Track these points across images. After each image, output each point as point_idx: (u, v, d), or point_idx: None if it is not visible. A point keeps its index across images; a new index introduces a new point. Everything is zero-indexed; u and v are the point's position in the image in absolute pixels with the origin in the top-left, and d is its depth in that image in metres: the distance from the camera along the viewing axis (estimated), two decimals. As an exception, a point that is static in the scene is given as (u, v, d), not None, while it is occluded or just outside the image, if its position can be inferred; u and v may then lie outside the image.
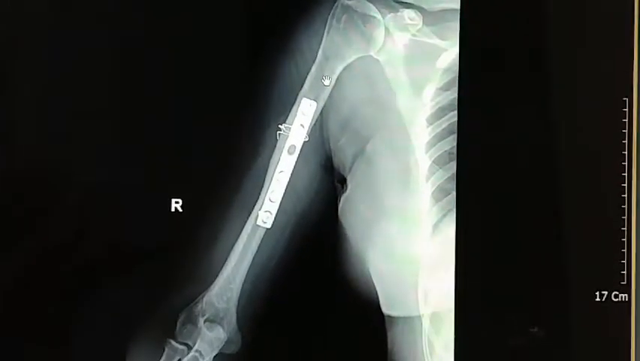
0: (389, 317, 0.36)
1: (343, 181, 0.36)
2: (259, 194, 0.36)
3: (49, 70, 0.35)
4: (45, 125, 0.35)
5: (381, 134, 0.37)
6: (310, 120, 0.36)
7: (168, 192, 0.35)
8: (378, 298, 0.36)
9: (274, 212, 0.36)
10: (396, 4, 0.37)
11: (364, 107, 0.37)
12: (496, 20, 0.37)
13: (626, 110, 0.37)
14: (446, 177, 0.37)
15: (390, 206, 0.36)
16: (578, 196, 0.37)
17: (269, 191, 0.36)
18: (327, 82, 0.36)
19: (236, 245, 0.36)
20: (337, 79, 0.36)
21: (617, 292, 0.36)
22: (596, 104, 0.37)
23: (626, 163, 0.37)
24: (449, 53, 0.37)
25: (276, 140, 0.36)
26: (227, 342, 0.36)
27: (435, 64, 0.37)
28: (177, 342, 0.35)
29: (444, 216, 0.36)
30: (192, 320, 0.36)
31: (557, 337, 0.36)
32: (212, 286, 0.36)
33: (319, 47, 0.36)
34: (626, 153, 0.37)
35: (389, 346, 0.36)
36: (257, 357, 0.36)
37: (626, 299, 0.36)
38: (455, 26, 0.37)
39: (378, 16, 0.37)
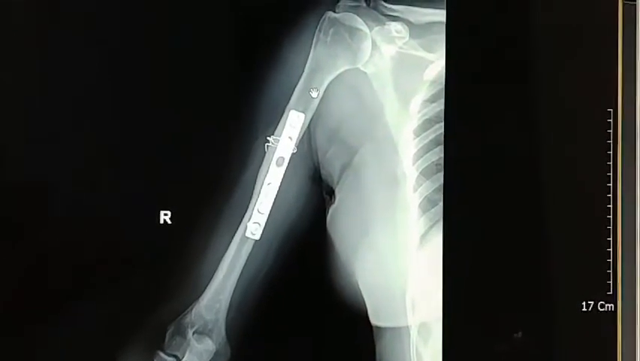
0: (377, 327, 0.36)
1: (331, 193, 0.37)
2: (248, 206, 0.36)
3: (40, 77, 0.35)
4: (33, 135, 0.35)
5: (369, 146, 0.37)
6: (298, 132, 0.36)
7: (157, 204, 0.35)
8: (366, 308, 0.36)
9: (263, 223, 0.36)
10: (383, 17, 0.37)
11: (352, 119, 0.37)
12: (482, 33, 0.37)
13: (611, 121, 0.37)
14: (433, 188, 0.37)
15: (378, 217, 0.37)
16: (564, 207, 0.37)
17: (257, 203, 0.36)
18: (314, 94, 0.36)
19: (224, 257, 0.36)
20: (325, 91, 0.37)
21: (603, 302, 0.37)
22: (582, 115, 0.37)
23: (611, 174, 0.37)
24: (436, 65, 0.37)
25: (265, 152, 0.36)
26: (216, 354, 0.36)
27: (422, 76, 0.37)
28: (166, 354, 0.36)
29: (431, 227, 0.37)
30: (181, 332, 0.36)
31: (544, 347, 0.37)
32: (201, 298, 0.36)
33: (307, 60, 0.37)
34: (611, 163, 0.37)
35: (377, 356, 0.36)
36: (245, 369, 0.36)
37: (613, 309, 0.37)
38: (441, 39, 0.37)
39: (365, 29, 0.37)
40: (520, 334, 0.36)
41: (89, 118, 0.35)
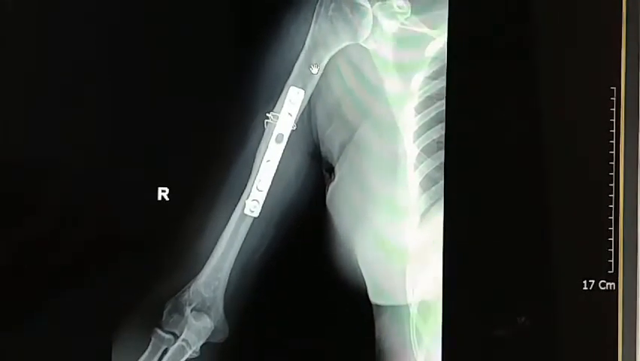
0: (377, 305, 0.36)
1: (331, 170, 0.36)
2: (247, 183, 0.36)
3: (37, 61, 0.35)
4: (30, 114, 0.35)
5: (369, 122, 0.36)
6: (298, 109, 0.36)
7: (155, 180, 0.35)
8: (366, 287, 0.36)
9: (262, 201, 0.36)
10: (385, -8, 0.37)
11: (352, 95, 0.36)
12: (485, 9, 0.37)
13: (614, 99, 0.37)
14: (434, 165, 0.36)
15: (378, 195, 0.36)
16: (566, 185, 0.37)
17: (256, 180, 0.36)
18: (314, 70, 0.36)
19: (223, 234, 0.35)
20: (325, 67, 0.36)
21: (604, 281, 0.37)
22: (585, 93, 0.37)
23: (614, 152, 0.37)
24: (437, 41, 0.37)
25: (264, 128, 0.36)
26: (214, 331, 0.36)
27: (423, 52, 0.37)
28: (164, 331, 0.35)
29: (432, 205, 0.36)
30: (179, 310, 0.35)
31: (545, 326, 0.36)
32: (199, 276, 0.35)
33: (307, 36, 0.36)
34: (614, 142, 0.37)
35: (377, 334, 0.36)
36: (244, 346, 0.36)
37: (614, 288, 0.37)
38: (444, 15, 0.36)
39: (367, 4, 0.36)
40: (517, 314, 0.36)
41: (86, 95, 0.35)
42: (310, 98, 0.36)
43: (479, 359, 0.37)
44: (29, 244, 0.34)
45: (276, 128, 0.36)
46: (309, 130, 0.36)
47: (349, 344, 0.36)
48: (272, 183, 0.36)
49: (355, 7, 0.36)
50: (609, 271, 0.36)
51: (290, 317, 0.36)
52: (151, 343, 0.35)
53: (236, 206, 0.36)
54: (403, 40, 0.37)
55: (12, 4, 0.35)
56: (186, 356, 0.36)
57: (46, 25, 0.35)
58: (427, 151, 0.37)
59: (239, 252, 0.36)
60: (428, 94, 0.37)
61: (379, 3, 0.37)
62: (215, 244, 0.35)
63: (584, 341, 0.37)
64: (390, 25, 0.37)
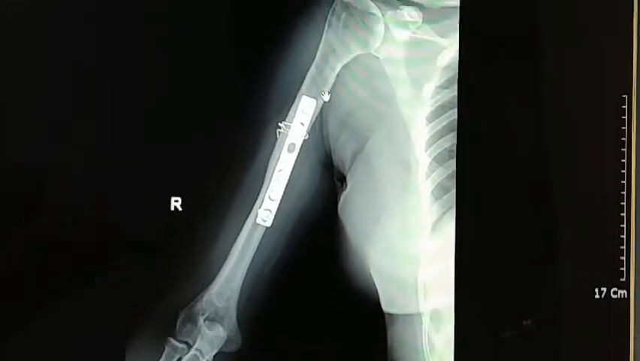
0: (389, 314, 0.36)
1: (343, 179, 0.36)
2: (259, 192, 0.36)
3: (48, 65, 0.35)
4: (44, 122, 0.35)
5: (381, 132, 0.36)
6: (310, 118, 0.36)
7: (168, 190, 0.35)
8: (378, 296, 0.36)
9: (274, 210, 0.36)
10: (396, 2, 0.37)
11: (364, 105, 0.36)
12: (496, 17, 0.37)
13: (625, 107, 0.37)
14: (446, 174, 0.36)
15: (390, 204, 0.36)
16: (577, 193, 0.37)
17: (269, 189, 0.36)
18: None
19: (236, 244, 0.36)
20: (337, 77, 0.36)
21: (616, 289, 0.37)
22: (596, 101, 0.37)
23: (625, 160, 0.37)
24: (449, 50, 0.37)
25: (276, 138, 0.36)
26: (228, 341, 0.36)
27: (435, 61, 0.37)
28: (177, 341, 0.35)
29: (444, 213, 0.36)
30: (192, 319, 0.36)
31: (557, 333, 0.36)
32: (212, 285, 0.35)
33: (319, 45, 0.36)
34: (625, 150, 0.37)
35: (389, 344, 0.36)
36: (257, 356, 0.36)
37: (626, 296, 0.37)
38: (455, 24, 0.36)
39: (378, 13, 0.36)
40: (529, 321, 0.36)
41: (100, 104, 0.35)
42: (322, 107, 0.36)
43: (491, 367, 0.37)
44: (42, 254, 0.34)
45: (288, 137, 0.36)
46: (320, 139, 0.36)
47: (361, 353, 0.36)
48: (284, 192, 0.36)
49: (367, 17, 0.36)
50: (621, 279, 0.36)
51: (302, 327, 0.36)
52: (164, 352, 0.35)
53: (248, 216, 0.36)
54: (415, 49, 0.37)
55: (12, 4, 0.35)
56: (199, 366, 0.36)
57: (47, 26, 0.35)
58: (438, 160, 0.37)
59: (251, 261, 0.36)
60: (440, 103, 0.37)
61: (391, 12, 0.37)
62: (228, 253, 0.35)
63: (597, 349, 0.37)
64: (401, 35, 0.37)
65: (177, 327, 0.35)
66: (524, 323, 0.36)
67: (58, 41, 0.35)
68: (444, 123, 0.37)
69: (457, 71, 0.36)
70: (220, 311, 0.36)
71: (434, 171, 0.37)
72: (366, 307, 0.36)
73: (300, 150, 0.36)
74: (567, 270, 0.37)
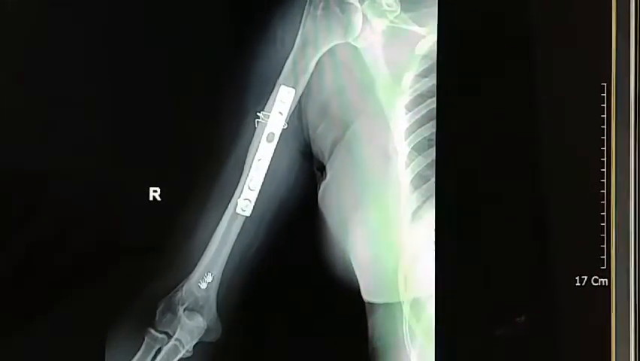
0: (369, 303, 0.36)
1: (322, 168, 0.36)
2: (238, 182, 0.36)
3: (30, 62, 0.35)
4: (23, 115, 0.35)
5: (360, 121, 0.36)
6: (289, 108, 0.36)
7: (146, 180, 0.35)
8: (358, 285, 0.36)
9: (253, 200, 0.36)
10: (374, -9, 0.37)
11: (343, 94, 0.36)
12: (475, 6, 0.37)
13: (605, 95, 0.37)
14: (425, 163, 0.36)
15: (369, 193, 0.36)
16: (557, 182, 0.37)
17: (248, 179, 0.36)
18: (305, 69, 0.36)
19: (215, 233, 0.35)
20: (315, 66, 0.36)
21: (597, 277, 0.36)
22: (575, 89, 0.37)
23: (605, 148, 0.37)
24: (427, 39, 0.37)
25: (255, 127, 0.36)
26: (208, 330, 0.36)
27: (413, 50, 0.37)
28: (157, 331, 0.35)
29: (423, 202, 0.36)
30: (172, 309, 0.35)
31: (538, 322, 0.36)
32: (191, 275, 0.35)
33: (297, 34, 0.36)
34: (605, 138, 0.37)
35: (369, 333, 0.36)
36: (237, 345, 0.36)
37: (606, 284, 0.36)
38: (433, 12, 0.36)
39: (356, 2, 0.37)
40: (516, 316, 0.36)
41: (77, 95, 0.35)
42: (301, 96, 0.36)
43: (473, 357, 0.36)
44: (19, 245, 0.34)
45: (267, 127, 0.36)
46: (300, 129, 0.36)
47: (342, 342, 0.36)
48: (263, 182, 0.36)
49: (345, 6, 0.36)
50: (602, 267, 0.36)
51: (282, 316, 0.36)
52: (144, 343, 0.35)
53: (227, 205, 0.36)
54: (393, 38, 0.37)
55: (12, 4, 0.35)
56: (179, 356, 0.36)
57: (45, 26, 0.35)
58: (418, 149, 0.37)
59: (231, 251, 0.36)
60: (419, 92, 0.37)
61: (369, 1, 0.37)
62: (208, 243, 0.35)
63: (578, 337, 0.36)
64: (379, 24, 0.37)
65: (157, 317, 0.35)
66: (505, 312, 0.36)
67: (41, 36, 0.35)
68: (423, 112, 0.37)
69: (435, 59, 0.36)
70: (200, 301, 0.36)
71: (413, 160, 0.37)
72: (346, 296, 0.36)
73: (279, 139, 0.36)
74: (548, 259, 0.37)
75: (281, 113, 0.36)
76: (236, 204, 0.36)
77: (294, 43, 0.36)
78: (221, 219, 0.36)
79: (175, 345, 0.35)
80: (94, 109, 0.35)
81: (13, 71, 0.35)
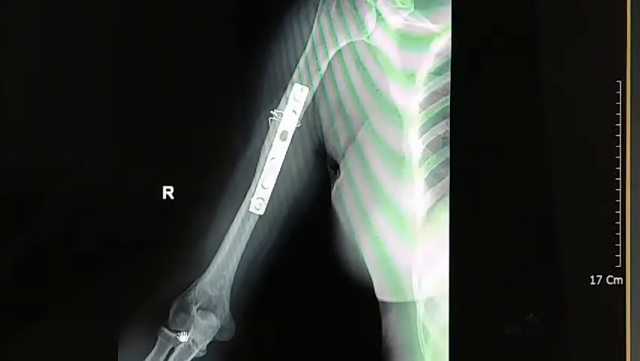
0: (383, 302, 0.36)
1: (336, 167, 0.36)
2: (251, 181, 0.36)
3: (37, 60, 0.35)
4: (31, 114, 0.35)
5: (374, 119, 0.36)
6: (302, 106, 0.36)
7: (160, 179, 0.35)
8: (372, 284, 0.36)
9: (267, 199, 0.36)
10: (388, -12, 0.37)
11: (356, 92, 0.36)
12: (489, 4, 0.37)
13: (619, 92, 0.37)
14: (439, 162, 0.36)
15: (383, 191, 0.36)
16: (572, 180, 0.36)
17: (261, 178, 0.36)
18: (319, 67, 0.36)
19: (228, 232, 0.35)
20: (329, 64, 0.36)
21: (611, 276, 0.36)
22: (590, 87, 0.37)
23: (620, 146, 0.37)
24: (441, 37, 0.36)
25: (268, 126, 0.36)
26: (221, 330, 0.36)
27: (427, 48, 0.37)
28: (170, 330, 0.35)
29: (437, 201, 0.36)
30: (185, 308, 0.35)
31: (552, 321, 0.36)
32: (204, 274, 0.35)
33: (310, 33, 0.36)
34: (620, 136, 0.37)
35: (383, 332, 0.36)
36: (251, 344, 0.35)
37: (621, 283, 0.36)
38: (447, 10, 0.36)
39: (370, 0, 0.36)
40: (531, 315, 0.36)
41: (89, 94, 0.35)
42: (314, 95, 0.36)
43: (487, 356, 0.36)
44: (32, 244, 0.34)
45: (280, 125, 0.36)
46: (313, 127, 0.36)
47: (356, 342, 0.36)
48: (277, 180, 0.36)
49: (359, 4, 0.36)
50: (617, 266, 0.36)
51: (296, 315, 0.35)
52: (157, 342, 0.35)
53: (241, 204, 0.36)
54: (407, 36, 0.37)
55: (12, 4, 0.35)
56: (193, 355, 0.35)
57: (46, 25, 0.35)
58: (432, 147, 0.36)
59: (244, 250, 0.35)
60: (433, 90, 0.36)
61: (383, -1, 0.36)
62: (221, 242, 0.35)
63: (593, 336, 0.36)
64: (393, 21, 0.37)
65: (170, 317, 0.35)
66: (520, 311, 0.36)
67: (44, 32, 0.35)
68: (437, 110, 0.36)
69: (449, 57, 0.36)
70: (213, 300, 0.35)
71: (427, 158, 0.36)
72: (360, 295, 0.36)
73: (292, 138, 0.36)
74: (562, 258, 0.36)
75: (294, 111, 0.36)
76: (250, 203, 0.36)
77: (307, 42, 0.36)
78: (234, 218, 0.35)
79: (188, 345, 0.35)
80: (106, 109, 0.35)
81: (19, 71, 0.35)
